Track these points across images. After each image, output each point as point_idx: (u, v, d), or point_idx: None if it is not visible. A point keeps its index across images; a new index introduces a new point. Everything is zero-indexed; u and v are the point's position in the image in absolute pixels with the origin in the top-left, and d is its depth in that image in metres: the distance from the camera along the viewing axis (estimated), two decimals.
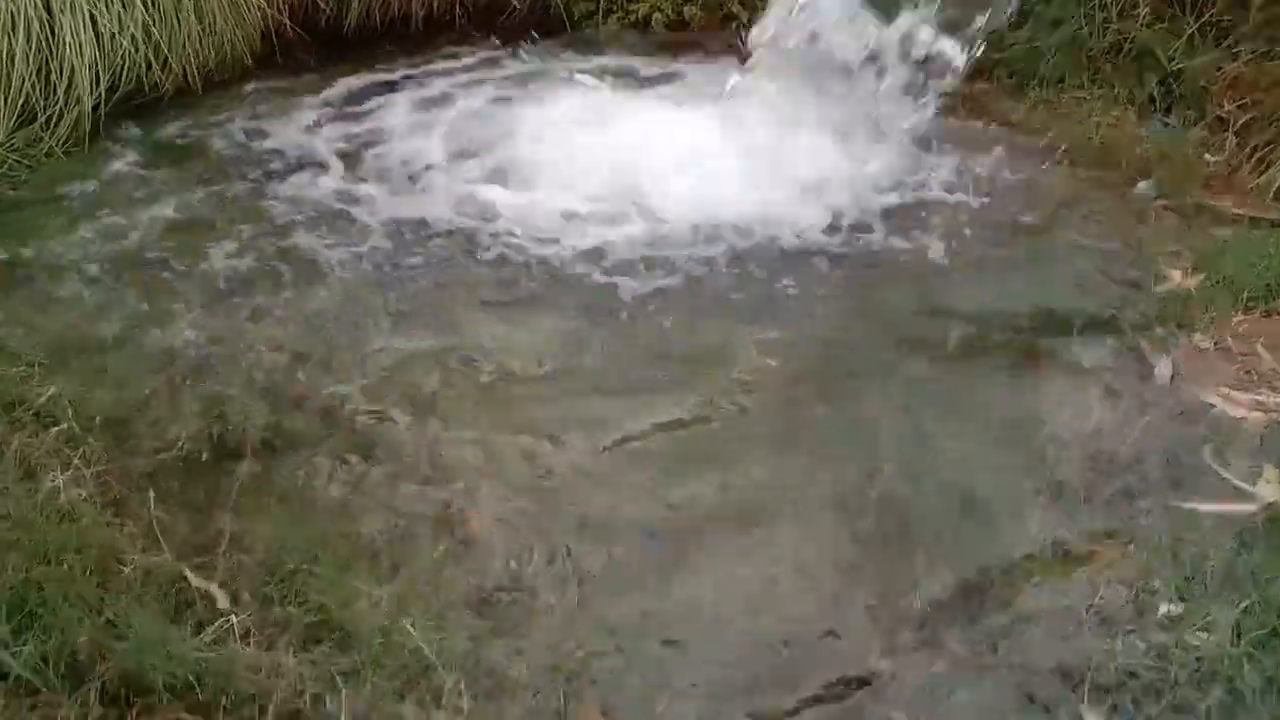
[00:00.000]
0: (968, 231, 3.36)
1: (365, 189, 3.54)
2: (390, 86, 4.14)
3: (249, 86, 4.07)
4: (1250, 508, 2.38)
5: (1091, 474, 2.51)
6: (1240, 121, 3.64)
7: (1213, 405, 2.66)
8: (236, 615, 2.07)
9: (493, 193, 3.48)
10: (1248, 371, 2.77)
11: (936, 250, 3.28)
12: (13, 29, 3.48)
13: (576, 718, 1.99)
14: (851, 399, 2.75)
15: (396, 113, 4.00)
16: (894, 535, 2.37)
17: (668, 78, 4.19)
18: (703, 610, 2.21)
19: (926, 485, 2.49)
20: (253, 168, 3.64)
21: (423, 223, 3.35)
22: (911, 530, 2.38)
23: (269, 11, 4.12)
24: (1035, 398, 2.72)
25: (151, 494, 2.34)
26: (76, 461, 2.35)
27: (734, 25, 4.44)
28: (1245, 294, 3.00)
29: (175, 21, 3.87)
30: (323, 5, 4.28)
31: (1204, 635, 2.07)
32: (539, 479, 2.49)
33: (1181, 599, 2.16)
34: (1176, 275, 3.15)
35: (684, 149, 3.62)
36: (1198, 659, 2.04)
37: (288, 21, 4.22)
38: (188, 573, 2.17)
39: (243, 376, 2.73)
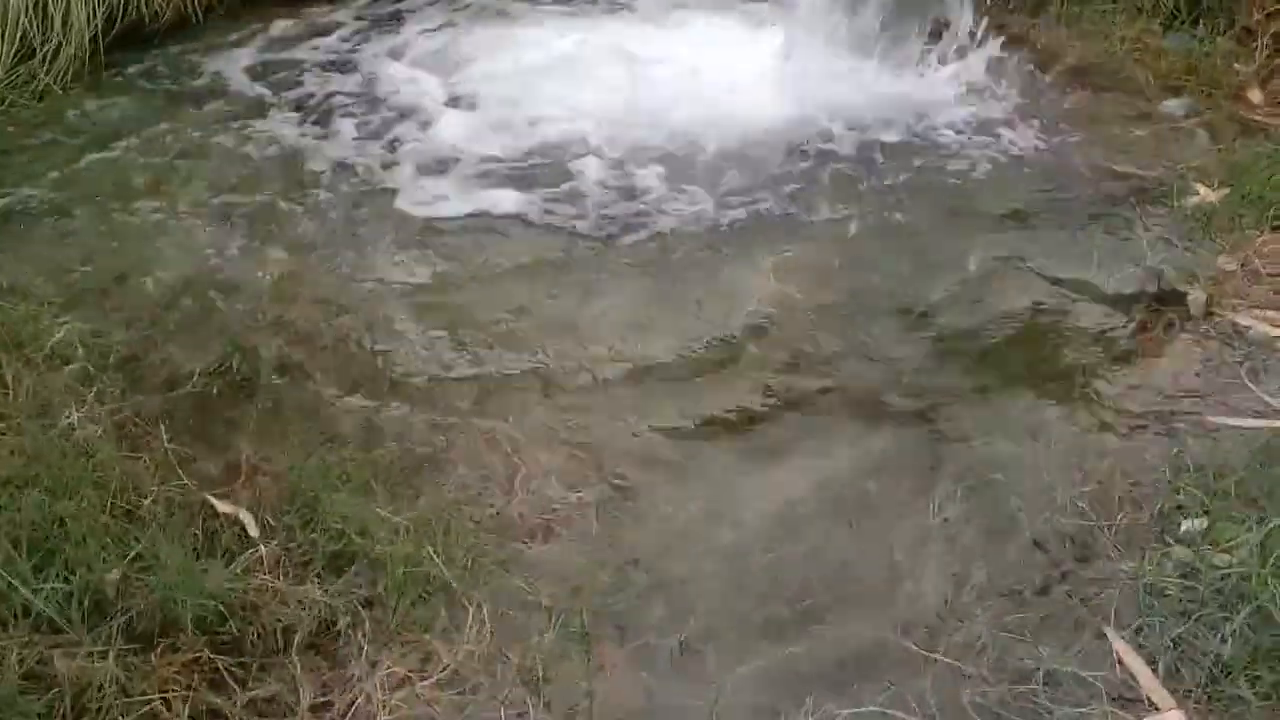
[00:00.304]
0: (984, 165, 3.33)
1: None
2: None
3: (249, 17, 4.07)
4: None
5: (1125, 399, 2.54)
6: (1270, 31, 3.61)
7: (1248, 327, 2.68)
8: (265, 545, 2.10)
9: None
10: (1277, 292, 2.77)
11: (947, 180, 3.29)
12: None
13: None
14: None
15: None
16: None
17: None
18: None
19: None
20: (249, 101, 3.67)
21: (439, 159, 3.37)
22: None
23: None
24: (1062, 335, 2.74)
25: (164, 428, 2.36)
26: (90, 399, 2.40)
27: None
28: (1272, 211, 2.99)
29: None
30: None
31: (1229, 556, 2.09)
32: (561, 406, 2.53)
33: (1208, 514, 2.18)
34: (1202, 190, 3.14)
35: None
36: (1224, 577, 2.06)
37: None
38: (214, 500, 2.20)
39: (253, 309, 2.76)
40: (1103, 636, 2.01)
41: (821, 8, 3.66)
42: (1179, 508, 2.22)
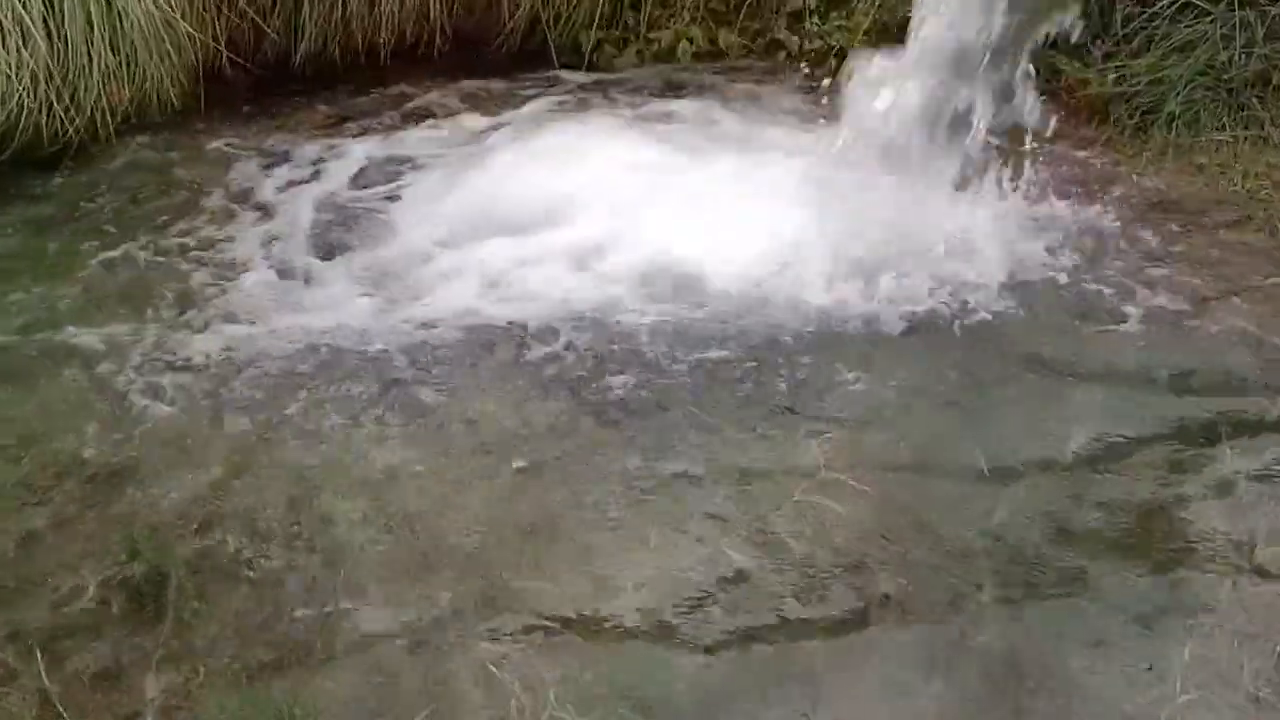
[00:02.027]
0: (1078, 322, 3.17)
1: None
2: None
3: (142, 139, 3.96)
4: None
5: None
6: None
7: None
8: None
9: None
10: None
11: (1043, 344, 3.09)
12: None
13: None
14: None
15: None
16: None
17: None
18: None
19: None
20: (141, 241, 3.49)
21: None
22: None
23: (202, 41, 4.01)
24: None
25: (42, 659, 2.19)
26: None
27: (783, 56, 4.38)
28: None
29: (86, 57, 3.73)
30: (269, 32, 4.14)
31: None
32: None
33: None
34: None
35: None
36: None
37: (225, 54, 4.11)
38: None
39: (157, 493, 2.58)
40: None
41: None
42: None
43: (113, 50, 3.77)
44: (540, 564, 2.43)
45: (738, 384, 2.92)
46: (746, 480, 2.64)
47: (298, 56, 4.22)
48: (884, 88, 3.44)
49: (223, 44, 4.07)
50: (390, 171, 3.82)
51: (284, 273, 3.34)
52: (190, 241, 3.46)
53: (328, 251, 3.43)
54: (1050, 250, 3.40)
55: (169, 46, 3.90)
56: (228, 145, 3.96)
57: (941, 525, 2.52)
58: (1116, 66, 3.89)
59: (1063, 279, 3.30)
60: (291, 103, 4.20)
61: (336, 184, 3.76)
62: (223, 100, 4.13)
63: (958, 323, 3.13)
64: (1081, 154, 3.83)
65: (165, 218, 3.57)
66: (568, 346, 3.03)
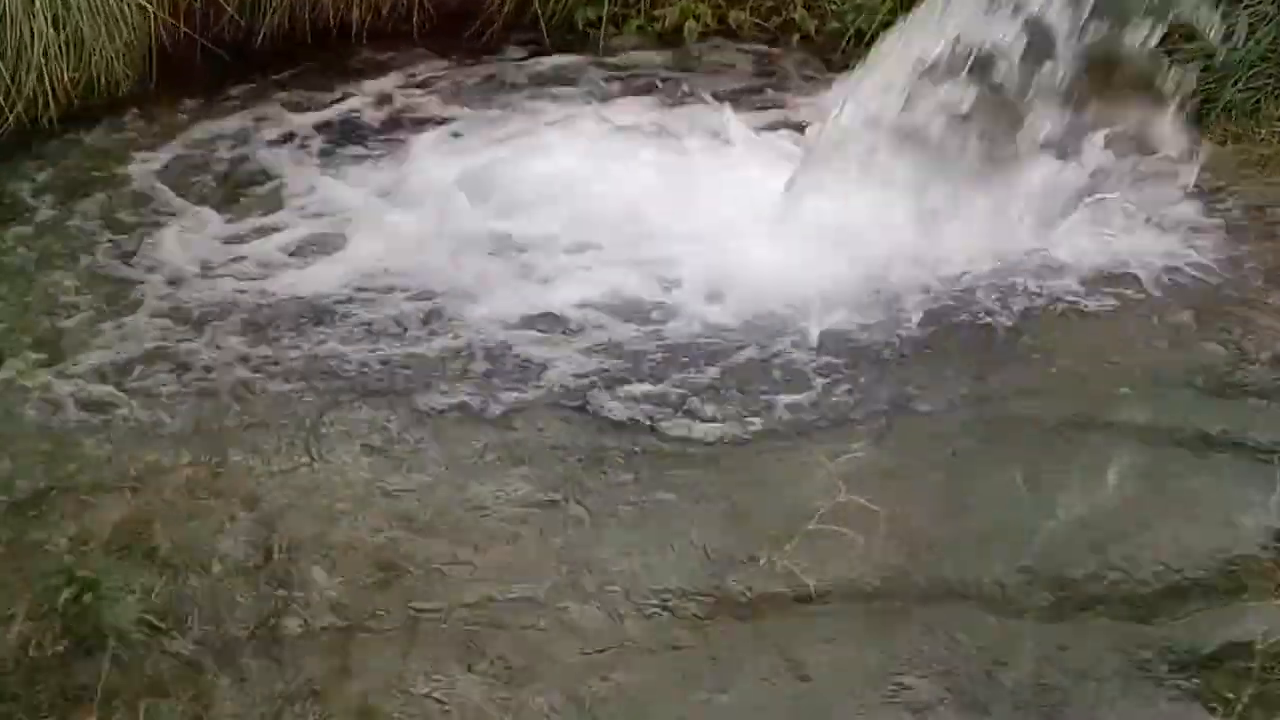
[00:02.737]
0: (1131, 332, 3.06)
1: None
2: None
3: (86, 123, 3.87)
4: None
5: None
6: None
7: None
8: None
9: None
10: None
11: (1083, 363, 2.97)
12: None
13: None
14: None
15: None
16: None
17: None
18: None
19: None
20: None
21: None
22: None
23: (156, 17, 3.90)
24: None
25: None
26: None
27: (796, 37, 4.28)
28: None
29: (26, 32, 3.66)
30: (227, 9, 4.03)
31: None
32: None
33: None
34: None
35: None
36: None
37: (182, 31, 4.02)
38: None
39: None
40: None
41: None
42: None
43: (55, 26, 3.70)
44: None
45: None
46: None
47: (260, 35, 4.12)
48: None
49: (180, 20, 3.98)
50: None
51: None
52: (121, 239, 3.40)
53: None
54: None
55: (119, 23, 3.83)
56: (175, 130, 3.89)
57: None
58: (1168, 51, 3.68)
59: None
60: (246, 89, 4.09)
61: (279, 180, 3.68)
62: (177, 81, 4.02)
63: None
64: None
65: (91, 209, 3.51)
66: None
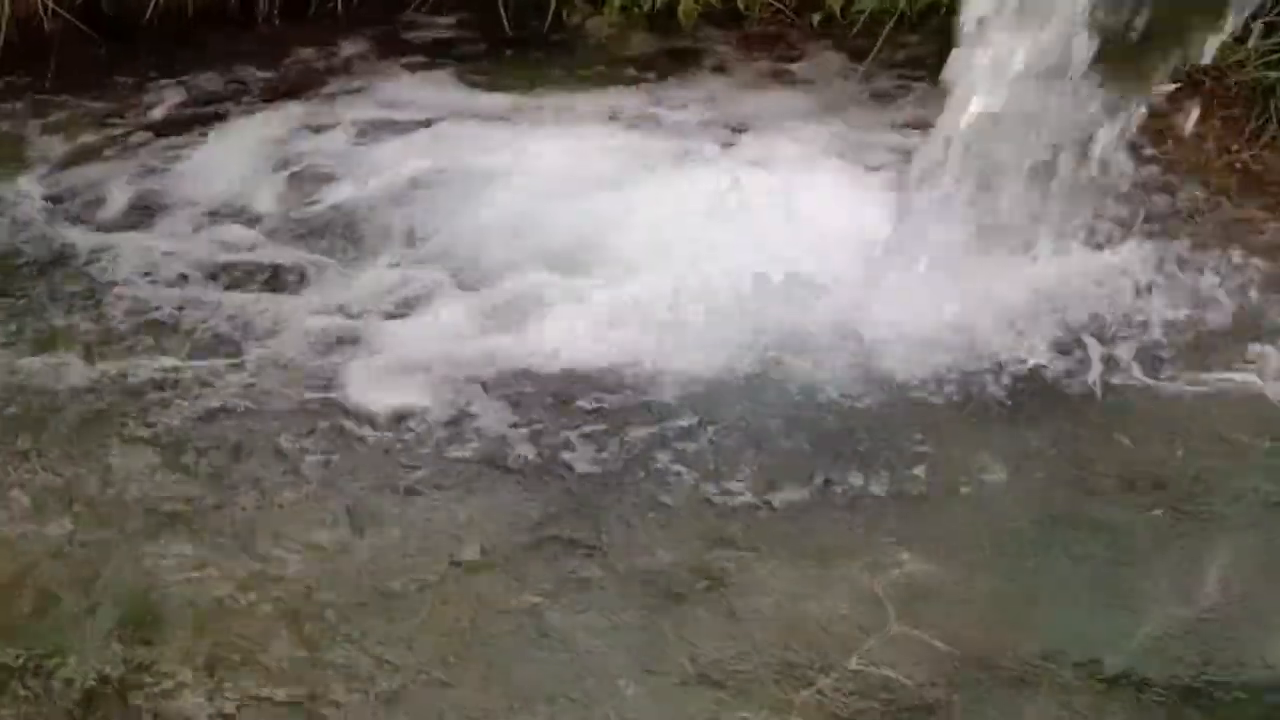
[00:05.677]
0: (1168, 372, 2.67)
1: None
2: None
3: None
4: None
5: None
6: None
7: None
8: None
9: None
10: None
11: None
12: None
13: None
14: None
15: None
16: None
17: None
18: None
19: None
20: None
21: None
22: None
23: None
24: None
25: None
26: None
27: (814, 19, 3.67)
28: None
29: None
30: None
31: None
32: None
33: None
34: None
35: None
36: None
37: (48, 4, 3.58)
38: None
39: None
40: None
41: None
42: None
43: None
44: None
45: None
46: None
47: (149, 10, 3.65)
48: None
49: None
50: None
51: None
52: None
53: None
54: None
55: None
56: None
57: None
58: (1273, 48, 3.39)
59: None
60: (116, 81, 3.65)
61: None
62: (35, 64, 3.59)
63: None
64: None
65: None
66: None
